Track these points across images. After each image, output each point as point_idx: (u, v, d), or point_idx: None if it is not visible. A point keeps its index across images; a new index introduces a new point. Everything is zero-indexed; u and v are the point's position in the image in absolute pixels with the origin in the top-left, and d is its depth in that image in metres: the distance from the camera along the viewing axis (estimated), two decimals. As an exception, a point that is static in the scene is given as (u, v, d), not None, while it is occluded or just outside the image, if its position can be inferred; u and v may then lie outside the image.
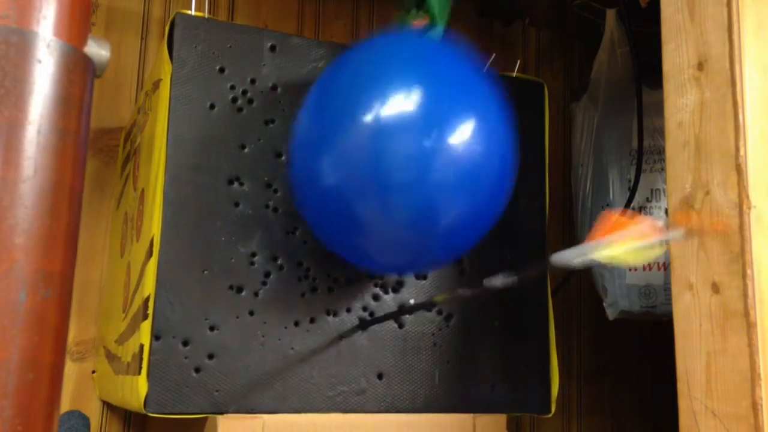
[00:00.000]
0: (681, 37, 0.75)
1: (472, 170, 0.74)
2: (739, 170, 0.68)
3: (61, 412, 1.04)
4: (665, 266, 1.19)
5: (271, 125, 0.88)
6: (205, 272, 0.82)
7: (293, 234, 0.87)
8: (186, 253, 0.82)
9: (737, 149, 0.68)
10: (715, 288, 0.69)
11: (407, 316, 0.90)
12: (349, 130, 0.74)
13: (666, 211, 1.17)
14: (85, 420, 1.09)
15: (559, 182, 1.42)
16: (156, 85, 0.90)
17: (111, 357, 1.00)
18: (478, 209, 0.77)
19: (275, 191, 0.87)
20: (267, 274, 0.85)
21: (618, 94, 1.26)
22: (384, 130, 0.72)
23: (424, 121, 0.73)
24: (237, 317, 0.83)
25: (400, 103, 0.73)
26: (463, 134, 0.74)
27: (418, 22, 0.80)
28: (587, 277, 1.35)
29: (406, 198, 0.73)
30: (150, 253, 0.81)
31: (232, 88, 0.87)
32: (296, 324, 0.85)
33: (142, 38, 1.24)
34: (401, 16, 0.83)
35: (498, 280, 0.67)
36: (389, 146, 0.72)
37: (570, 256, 0.57)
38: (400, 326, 0.90)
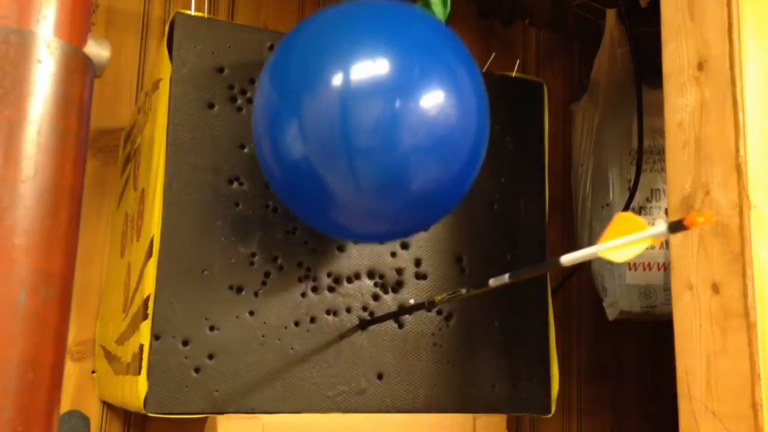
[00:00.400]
0: (681, 37, 0.75)
1: (444, 133, 0.70)
2: (739, 170, 0.68)
3: (61, 412, 1.04)
4: (665, 266, 1.19)
5: (271, 125, 0.88)
6: (205, 272, 0.82)
7: (293, 234, 0.87)
8: (186, 253, 0.82)
9: (737, 149, 0.68)
10: (715, 288, 0.69)
11: (407, 316, 0.90)
12: (313, 95, 0.69)
13: (666, 211, 1.17)
14: (85, 420, 1.09)
15: (559, 182, 1.42)
16: (156, 85, 0.90)
17: (111, 357, 0.99)
18: (451, 173, 0.73)
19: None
20: (267, 274, 0.85)
21: (618, 94, 1.26)
22: (350, 93, 0.68)
23: (391, 82, 0.69)
24: (237, 317, 0.83)
25: (366, 65, 0.69)
26: (433, 97, 0.70)
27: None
28: (587, 277, 1.34)
29: (375, 163, 0.69)
30: (150, 253, 0.81)
31: (232, 87, 0.87)
32: (296, 324, 0.85)
33: (142, 38, 1.24)
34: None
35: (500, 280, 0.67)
36: (356, 110, 0.68)
37: (579, 256, 0.57)
38: (400, 326, 0.90)
